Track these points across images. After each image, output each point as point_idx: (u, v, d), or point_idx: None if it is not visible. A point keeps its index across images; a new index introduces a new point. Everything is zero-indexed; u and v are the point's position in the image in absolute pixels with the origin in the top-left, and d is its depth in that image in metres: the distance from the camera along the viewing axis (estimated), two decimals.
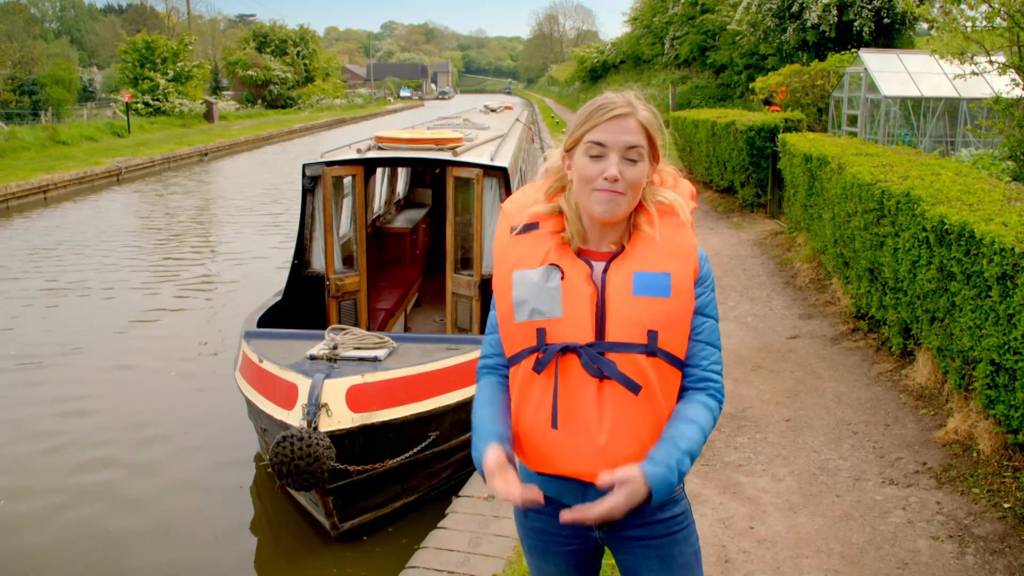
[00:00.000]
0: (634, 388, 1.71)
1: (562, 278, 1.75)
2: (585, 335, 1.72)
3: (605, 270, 1.76)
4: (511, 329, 1.79)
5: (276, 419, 4.38)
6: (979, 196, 4.93)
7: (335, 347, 4.84)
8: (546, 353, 1.74)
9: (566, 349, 1.72)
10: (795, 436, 4.91)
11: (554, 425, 1.75)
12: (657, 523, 1.84)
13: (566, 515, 1.66)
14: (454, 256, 6.19)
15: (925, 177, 5.66)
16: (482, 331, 5.91)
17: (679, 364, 1.77)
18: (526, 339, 1.77)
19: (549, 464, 1.79)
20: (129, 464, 5.78)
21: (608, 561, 3.21)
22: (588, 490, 1.77)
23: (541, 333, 1.75)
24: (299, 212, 6.27)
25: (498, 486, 1.66)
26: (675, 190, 1.85)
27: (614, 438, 1.72)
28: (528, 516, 1.92)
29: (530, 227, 1.82)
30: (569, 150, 1.78)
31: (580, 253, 1.79)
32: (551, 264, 1.76)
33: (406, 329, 7.61)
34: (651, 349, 1.72)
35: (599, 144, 1.71)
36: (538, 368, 1.75)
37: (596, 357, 1.71)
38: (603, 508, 1.62)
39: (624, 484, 1.62)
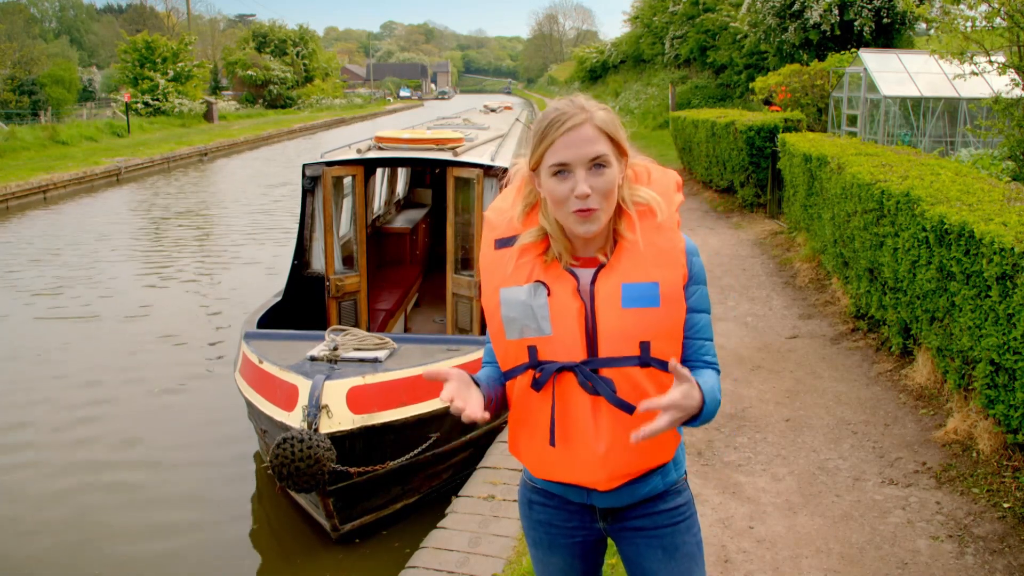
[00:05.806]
0: (629, 410, 1.70)
1: (548, 294, 1.72)
2: (577, 352, 1.71)
3: (592, 282, 1.73)
4: (503, 346, 1.79)
5: (276, 420, 4.38)
6: (979, 196, 4.93)
7: (335, 348, 4.84)
8: (543, 373, 1.73)
9: (562, 369, 1.71)
10: (795, 436, 4.91)
11: (552, 443, 1.76)
12: (660, 513, 1.85)
13: (644, 403, 1.58)
14: (454, 256, 6.19)
15: (925, 177, 5.66)
16: (482, 332, 5.92)
17: None
18: (519, 356, 1.76)
19: (551, 475, 1.82)
20: (127, 464, 5.78)
21: (609, 560, 3.22)
22: (593, 490, 1.81)
23: (533, 350, 1.74)
24: (299, 212, 6.27)
25: (451, 389, 1.61)
26: (651, 184, 1.78)
27: (612, 447, 1.73)
28: (533, 508, 1.93)
29: (513, 239, 1.78)
30: (534, 169, 1.72)
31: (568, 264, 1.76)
32: (537, 281, 1.73)
33: (406, 330, 7.61)
34: (644, 360, 1.70)
35: (562, 164, 1.65)
36: (536, 387, 1.75)
37: (591, 376, 1.70)
38: (668, 399, 1.55)
39: (683, 379, 1.57)
